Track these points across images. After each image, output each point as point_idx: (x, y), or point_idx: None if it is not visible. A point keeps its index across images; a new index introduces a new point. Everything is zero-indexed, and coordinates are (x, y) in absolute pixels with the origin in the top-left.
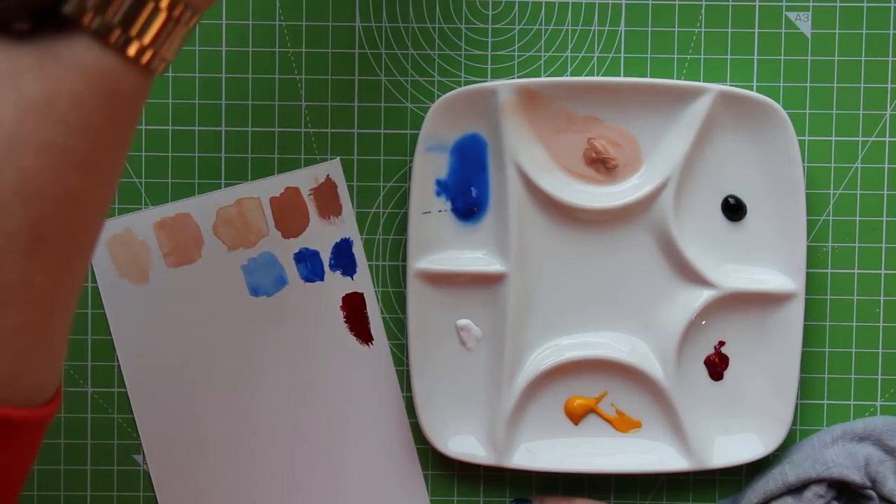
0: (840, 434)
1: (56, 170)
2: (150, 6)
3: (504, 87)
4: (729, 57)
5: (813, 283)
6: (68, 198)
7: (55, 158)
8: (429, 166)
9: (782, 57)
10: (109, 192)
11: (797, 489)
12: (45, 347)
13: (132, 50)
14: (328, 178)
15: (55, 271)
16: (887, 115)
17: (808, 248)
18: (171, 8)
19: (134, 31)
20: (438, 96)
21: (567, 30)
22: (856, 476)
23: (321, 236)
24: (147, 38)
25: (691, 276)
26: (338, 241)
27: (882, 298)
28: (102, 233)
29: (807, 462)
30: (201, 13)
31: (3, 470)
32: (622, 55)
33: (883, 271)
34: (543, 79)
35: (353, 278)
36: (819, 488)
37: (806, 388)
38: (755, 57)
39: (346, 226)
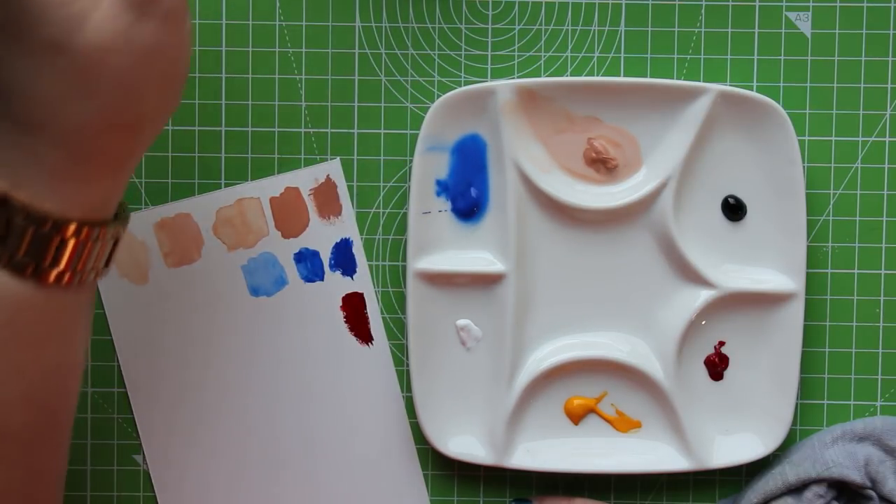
0: (840, 434)
1: None
2: (55, 240)
3: (504, 87)
4: (729, 57)
5: (813, 283)
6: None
7: None
8: (429, 166)
9: (782, 57)
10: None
11: (797, 489)
12: None
13: (51, 277)
14: (328, 178)
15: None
16: (887, 115)
17: (808, 248)
18: (77, 233)
19: (47, 262)
20: (438, 96)
21: (567, 30)
22: (856, 476)
23: (321, 236)
24: (62, 263)
25: (691, 276)
26: (338, 241)
27: (882, 298)
28: None
29: (807, 462)
30: (111, 224)
31: None
32: (622, 55)
33: (883, 271)
34: (543, 79)
35: (353, 278)
36: (819, 488)
37: (806, 388)
38: (755, 57)
39: (346, 226)
